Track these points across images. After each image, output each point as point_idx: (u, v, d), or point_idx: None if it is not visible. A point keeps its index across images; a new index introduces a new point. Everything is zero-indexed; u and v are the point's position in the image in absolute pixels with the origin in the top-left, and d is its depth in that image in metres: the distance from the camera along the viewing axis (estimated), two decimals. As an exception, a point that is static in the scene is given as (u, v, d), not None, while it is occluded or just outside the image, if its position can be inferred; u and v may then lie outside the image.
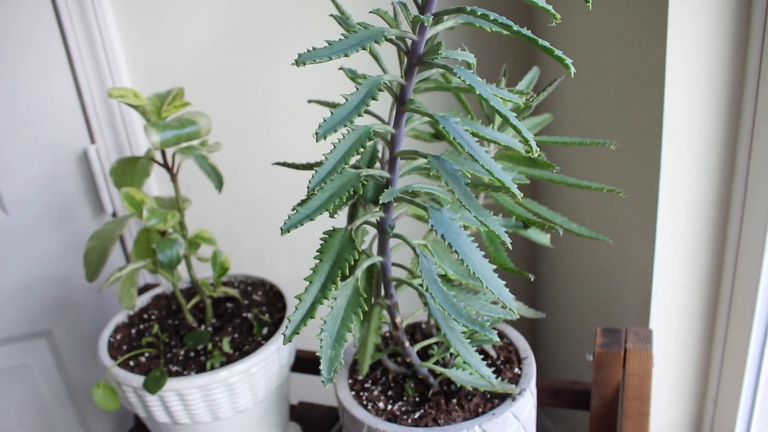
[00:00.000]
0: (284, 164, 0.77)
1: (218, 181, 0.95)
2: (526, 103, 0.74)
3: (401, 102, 0.60)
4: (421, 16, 0.52)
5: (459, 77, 0.54)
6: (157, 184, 1.29)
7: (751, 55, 0.83)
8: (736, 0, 0.82)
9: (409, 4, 0.60)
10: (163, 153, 0.96)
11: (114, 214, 1.29)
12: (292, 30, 1.20)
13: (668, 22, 0.81)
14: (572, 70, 0.51)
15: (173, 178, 0.97)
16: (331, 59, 0.50)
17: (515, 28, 0.51)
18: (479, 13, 0.52)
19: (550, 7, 0.53)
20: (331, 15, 0.65)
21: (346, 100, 0.53)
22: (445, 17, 0.56)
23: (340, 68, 0.67)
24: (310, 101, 0.85)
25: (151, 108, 0.95)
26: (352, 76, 0.65)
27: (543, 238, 0.83)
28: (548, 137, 0.81)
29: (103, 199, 1.26)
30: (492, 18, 0.52)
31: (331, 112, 0.52)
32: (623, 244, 1.01)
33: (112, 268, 1.22)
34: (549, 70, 1.16)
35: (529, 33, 0.52)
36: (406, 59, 0.59)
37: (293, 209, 0.57)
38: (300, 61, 0.49)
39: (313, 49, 0.49)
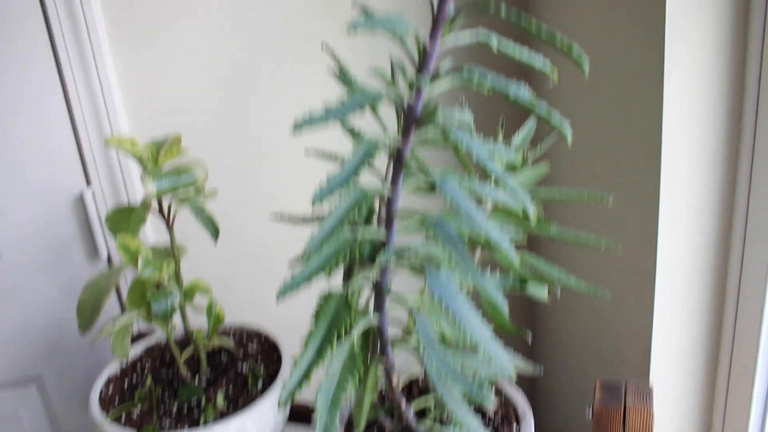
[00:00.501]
0: (281, 218, 0.77)
1: (214, 232, 0.94)
2: (523, 158, 0.74)
3: (398, 161, 0.60)
4: (418, 78, 0.52)
5: (456, 140, 0.54)
6: (153, 230, 1.29)
7: (747, 109, 0.83)
8: (731, 55, 0.82)
9: (408, 55, 0.60)
10: (160, 201, 0.95)
11: (109, 258, 1.28)
12: (291, 78, 1.21)
13: (665, 71, 0.82)
14: (569, 139, 0.50)
15: (169, 227, 0.97)
16: (328, 124, 0.50)
17: (512, 94, 0.51)
18: (477, 75, 0.52)
19: (547, 70, 0.53)
20: (332, 62, 0.64)
21: (343, 163, 0.53)
22: (443, 75, 0.56)
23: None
24: (307, 153, 0.85)
25: (147, 156, 0.94)
26: (350, 133, 0.65)
27: (541, 293, 0.82)
28: (546, 190, 0.81)
29: (98, 242, 1.25)
30: (489, 81, 0.52)
31: (328, 179, 0.52)
32: (623, 295, 1.01)
33: (106, 316, 1.20)
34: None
35: (526, 96, 0.52)
36: (403, 119, 0.58)
37: (290, 274, 0.56)
38: (297, 129, 0.48)
39: (310, 116, 0.49)
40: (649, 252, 0.91)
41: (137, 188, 1.24)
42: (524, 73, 1.03)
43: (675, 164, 0.86)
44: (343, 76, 0.64)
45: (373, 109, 0.53)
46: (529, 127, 0.83)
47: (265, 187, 1.28)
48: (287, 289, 0.55)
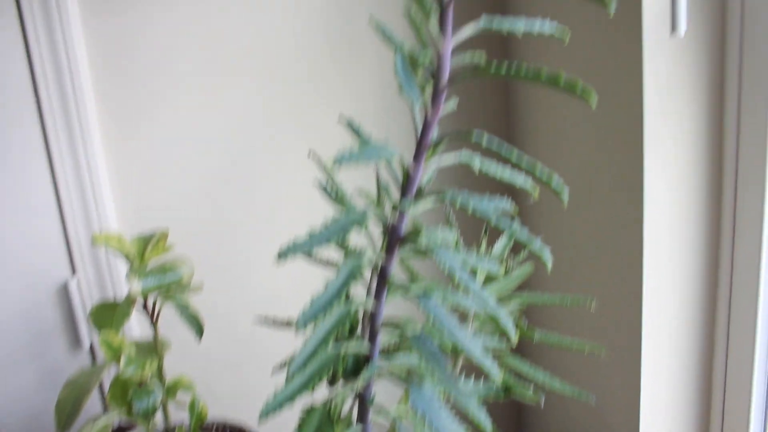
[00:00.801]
0: (265, 322, 0.77)
1: (198, 330, 0.94)
2: (505, 268, 0.75)
3: (382, 277, 0.61)
4: (402, 202, 0.54)
5: (439, 260, 0.55)
6: (137, 321, 1.28)
7: (725, 227, 0.86)
8: (708, 175, 0.85)
9: (393, 176, 0.61)
10: (145, 297, 0.95)
11: (91, 348, 1.26)
12: (280, 175, 1.23)
13: (644, 191, 0.84)
14: (549, 266, 0.52)
15: (153, 323, 0.97)
16: (311, 251, 0.51)
17: (493, 221, 0.53)
18: (459, 198, 0.53)
19: (528, 187, 0.55)
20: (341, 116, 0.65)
21: (326, 287, 0.53)
22: (426, 196, 0.58)
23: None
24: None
25: (134, 253, 0.95)
26: (337, 246, 0.66)
27: (527, 396, 0.82)
28: (528, 295, 0.82)
29: (81, 332, 1.24)
30: (471, 205, 0.53)
31: (312, 301, 0.52)
32: (609, 394, 1.00)
33: (86, 413, 1.18)
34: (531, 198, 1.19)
35: (507, 223, 0.53)
36: (387, 237, 0.60)
37: (272, 393, 0.56)
38: (282, 256, 0.49)
39: (294, 244, 0.50)
40: (634, 354, 0.92)
41: (123, 277, 1.24)
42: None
43: (656, 270, 0.88)
44: (329, 191, 0.66)
45: (360, 227, 0.54)
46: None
47: (252, 282, 1.29)
48: (270, 409, 0.55)
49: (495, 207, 0.56)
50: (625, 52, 0.84)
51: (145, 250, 0.97)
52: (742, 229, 0.85)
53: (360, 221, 0.55)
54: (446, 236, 0.60)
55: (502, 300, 0.80)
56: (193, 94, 1.21)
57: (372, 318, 0.62)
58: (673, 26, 0.69)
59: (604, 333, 1.00)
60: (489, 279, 0.77)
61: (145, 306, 0.96)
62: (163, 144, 1.22)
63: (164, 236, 1.00)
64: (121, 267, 1.24)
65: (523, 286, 0.82)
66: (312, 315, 0.51)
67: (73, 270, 1.23)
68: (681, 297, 0.90)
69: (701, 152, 0.86)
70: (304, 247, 0.50)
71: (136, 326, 1.28)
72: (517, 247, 0.88)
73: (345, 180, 0.71)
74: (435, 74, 0.52)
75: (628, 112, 0.85)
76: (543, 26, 0.54)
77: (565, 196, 0.51)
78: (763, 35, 0.78)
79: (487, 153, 0.60)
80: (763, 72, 0.78)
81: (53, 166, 1.17)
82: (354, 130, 0.62)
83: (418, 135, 0.55)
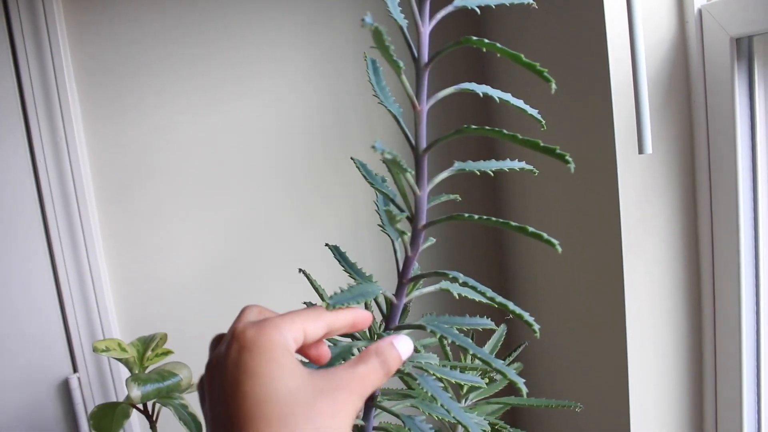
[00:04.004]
0: None
1: (197, 430, 0.96)
2: (489, 378, 0.78)
3: (371, 398, 0.64)
4: (386, 331, 0.57)
5: (421, 384, 0.58)
6: (138, 420, 1.29)
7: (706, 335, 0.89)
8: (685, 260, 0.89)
9: (378, 306, 0.65)
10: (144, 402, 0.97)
11: (91, 445, 1.28)
12: (276, 283, 1.27)
13: (625, 292, 0.88)
14: (537, 331, 0.54)
15: (152, 425, 0.99)
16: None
17: (471, 351, 0.56)
18: (440, 332, 0.57)
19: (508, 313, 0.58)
20: (326, 244, 0.68)
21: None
22: (422, 282, 0.61)
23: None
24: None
25: (133, 359, 0.98)
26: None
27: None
28: (515, 399, 0.84)
29: (81, 429, 1.26)
30: (450, 338, 0.57)
31: None
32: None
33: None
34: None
35: (485, 354, 0.57)
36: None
37: None
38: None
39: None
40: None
41: (123, 375, 1.27)
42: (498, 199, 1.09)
43: (641, 369, 0.90)
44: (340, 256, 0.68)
45: (367, 302, 0.57)
46: (499, 332, 0.88)
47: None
48: None
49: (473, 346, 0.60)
50: (601, 165, 0.89)
51: (144, 354, 1.00)
52: (722, 315, 0.88)
53: (369, 295, 0.56)
54: (428, 359, 0.63)
55: (486, 406, 0.83)
56: (192, 203, 1.27)
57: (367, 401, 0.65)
58: (640, 148, 0.74)
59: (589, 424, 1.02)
60: (473, 388, 0.80)
61: (144, 410, 0.99)
62: (163, 249, 1.26)
63: (164, 338, 1.03)
64: (122, 366, 1.26)
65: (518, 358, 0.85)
66: None
67: (75, 368, 1.25)
68: (666, 387, 0.92)
69: (678, 250, 0.90)
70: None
71: (137, 425, 1.29)
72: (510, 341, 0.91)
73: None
74: (412, 219, 0.56)
75: (608, 216, 0.89)
76: (515, 165, 0.58)
77: (536, 328, 0.55)
78: (727, 150, 0.83)
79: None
80: (729, 181, 0.83)
81: (56, 268, 1.21)
82: (339, 256, 0.66)
83: (400, 269, 0.59)
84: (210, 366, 0.44)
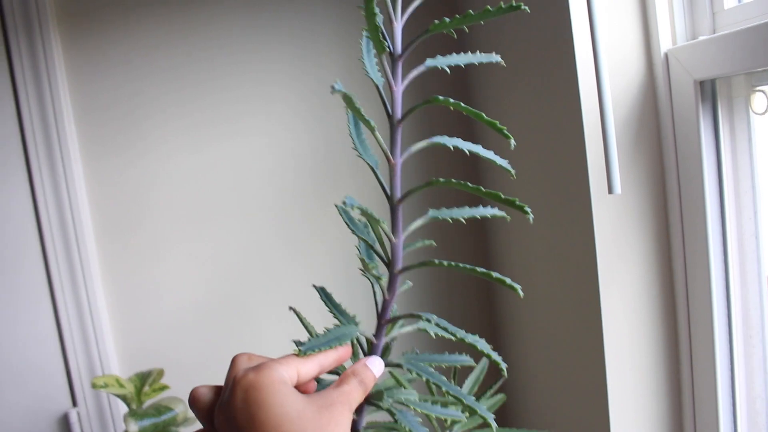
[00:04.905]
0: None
1: (191, 467, 0.99)
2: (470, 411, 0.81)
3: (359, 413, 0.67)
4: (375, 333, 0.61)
5: (400, 421, 0.62)
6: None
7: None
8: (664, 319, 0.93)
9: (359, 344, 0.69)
10: (141, 435, 1.01)
11: (90, 478, 1.30)
12: (271, 306, 1.31)
13: (603, 328, 0.92)
14: (505, 370, 0.58)
15: (149, 459, 1.02)
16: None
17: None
18: (416, 368, 0.60)
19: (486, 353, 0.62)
20: (313, 285, 0.72)
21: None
22: (401, 322, 0.64)
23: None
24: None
25: (131, 395, 1.01)
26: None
27: None
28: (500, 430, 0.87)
29: (80, 462, 1.28)
30: (425, 376, 0.60)
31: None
32: None
33: None
34: (506, 306, 1.25)
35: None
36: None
37: None
38: None
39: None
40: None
41: (122, 409, 1.29)
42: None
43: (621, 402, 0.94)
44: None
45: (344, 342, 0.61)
46: (480, 367, 0.91)
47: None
48: None
49: (454, 360, 0.63)
50: (577, 204, 0.93)
51: (141, 389, 1.03)
52: (698, 342, 0.92)
53: (347, 336, 0.59)
54: (408, 396, 0.67)
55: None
56: (188, 239, 1.31)
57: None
58: (610, 188, 0.78)
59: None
60: (455, 422, 0.83)
61: (141, 443, 1.02)
62: (159, 284, 1.30)
63: (160, 374, 1.06)
64: (121, 400, 1.30)
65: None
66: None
67: (74, 402, 1.29)
68: (645, 417, 0.95)
69: (653, 284, 0.94)
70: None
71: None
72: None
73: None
74: (389, 264, 0.60)
75: (585, 252, 0.93)
76: (487, 212, 0.62)
77: (504, 370, 0.58)
78: (695, 187, 0.88)
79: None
80: (699, 217, 0.88)
81: (56, 303, 1.25)
82: (325, 297, 0.69)
83: (378, 311, 0.62)
84: (219, 412, 0.50)
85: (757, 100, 0.87)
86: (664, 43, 0.91)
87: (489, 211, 0.63)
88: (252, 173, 1.32)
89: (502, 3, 0.54)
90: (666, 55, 0.91)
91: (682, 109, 0.89)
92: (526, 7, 0.54)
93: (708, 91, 0.88)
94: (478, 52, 0.60)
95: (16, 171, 1.23)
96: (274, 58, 1.32)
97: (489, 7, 0.54)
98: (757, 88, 0.87)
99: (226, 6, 1.29)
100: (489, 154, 0.60)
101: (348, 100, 0.51)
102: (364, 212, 0.53)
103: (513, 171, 0.59)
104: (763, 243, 0.90)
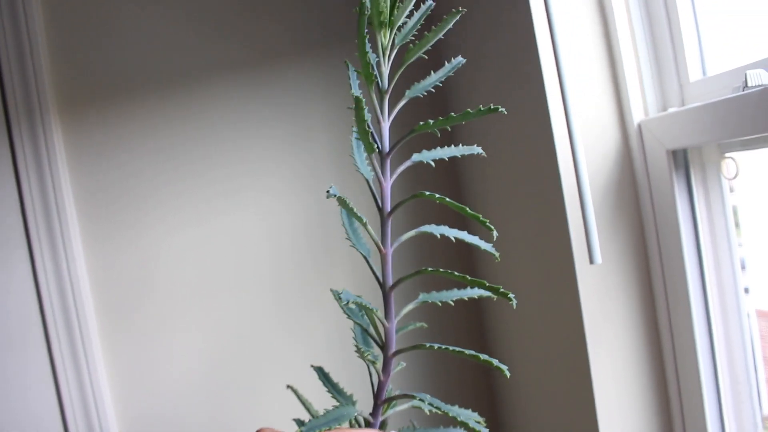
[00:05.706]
0: None
1: None
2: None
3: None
4: None
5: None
6: None
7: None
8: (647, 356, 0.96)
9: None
10: None
11: None
12: (271, 382, 1.33)
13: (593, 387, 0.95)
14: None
15: None
16: None
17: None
18: (426, 401, 0.63)
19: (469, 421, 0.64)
20: (312, 366, 0.75)
21: None
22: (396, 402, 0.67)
23: None
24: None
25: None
26: None
27: None
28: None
29: None
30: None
31: None
32: None
33: None
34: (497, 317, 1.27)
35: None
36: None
37: None
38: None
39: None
40: None
41: (123, 481, 1.30)
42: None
43: None
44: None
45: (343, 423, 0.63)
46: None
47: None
48: None
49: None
50: (562, 273, 0.97)
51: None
52: (687, 394, 0.95)
53: (345, 418, 0.63)
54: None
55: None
56: (187, 315, 1.34)
57: None
58: (591, 259, 0.82)
59: None
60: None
61: None
62: (159, 360, 1.32)
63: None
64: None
65: None
66: None
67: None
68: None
69: (640, 342, 0.97)
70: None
71: None
72: None
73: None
74: (383, 347, 0.63)
75: (572, 320, 0.97)
76: (474, 293, 0.66)
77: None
78: (675, 253, 0.92)
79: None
80: (680, 280, 0.92)
81: (58, 382, 1.26)
82: (323, 377, 0.72)
83: (375, 392, 0.65)
84: None
85: (728, 167, 0.92)
86: (637, 114, 0.96)
87: (476, 292, 0.66)
88: (250, 249, 1.35)
89: (481, 106, 0.59)
90: (639, 126, 0.96)
91: (658, 177, 0.94)
92: (504, 110, 0.59)
93: (681, 160, 0.92)
94: (461, 144, 0.64)
95: (17, 250, 1.26)
96: (268, 134, 1.36)
97: (469, 109, 0.59)
98: (727, 155, 0.92)
99: (222, 88, 1.34)
100: (474, 240, 0.63)
101: (342, 202, 0.56)
102: (359, 304, 0.56)
103: (497, 254, 0.63)
104: (742, 299, 0.94)
